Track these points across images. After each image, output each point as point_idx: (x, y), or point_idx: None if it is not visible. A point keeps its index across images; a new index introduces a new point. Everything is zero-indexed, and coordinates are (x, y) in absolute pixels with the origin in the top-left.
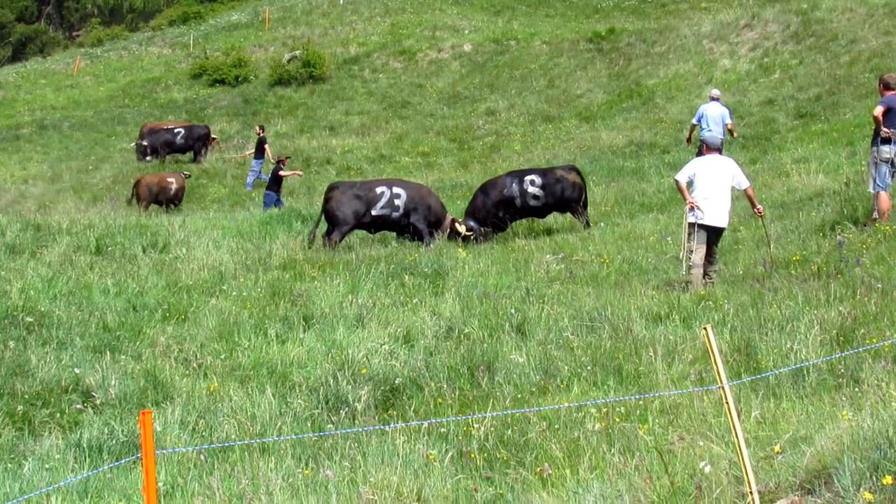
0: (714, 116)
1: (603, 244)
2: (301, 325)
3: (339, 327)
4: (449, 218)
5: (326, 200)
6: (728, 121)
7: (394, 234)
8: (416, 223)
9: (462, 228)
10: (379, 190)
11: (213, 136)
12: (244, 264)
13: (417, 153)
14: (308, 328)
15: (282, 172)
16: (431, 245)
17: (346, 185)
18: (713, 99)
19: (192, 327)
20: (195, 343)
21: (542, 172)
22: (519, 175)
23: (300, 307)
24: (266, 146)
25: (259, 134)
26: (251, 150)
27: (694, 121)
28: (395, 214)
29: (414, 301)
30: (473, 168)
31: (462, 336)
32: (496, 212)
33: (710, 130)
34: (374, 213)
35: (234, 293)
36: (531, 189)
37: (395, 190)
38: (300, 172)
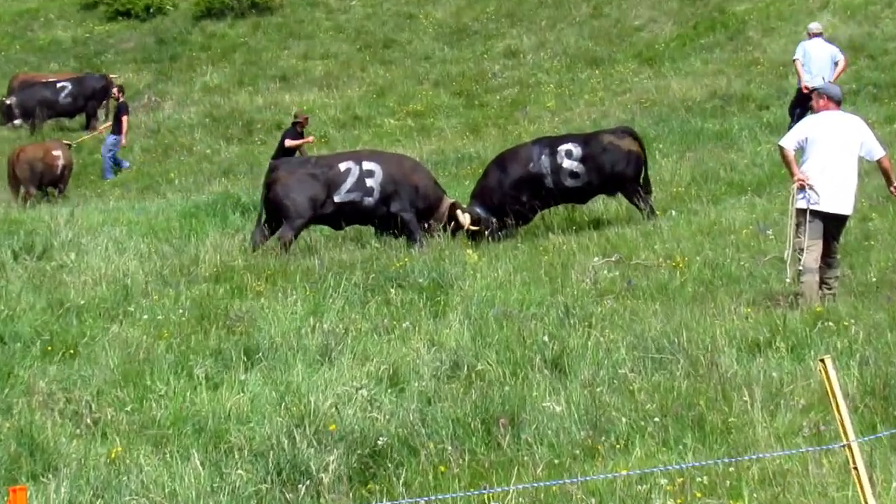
0: (819, 58)
1: (675, 241)
2: (242, 361)
3: (297, 364)
4: (447, 203)
5: (269, 185)
6: (840, 62)
7: (371, 229)
8: (399, 212)
9: (465, 218)
10: (343, 167)
11: (115, 87)
12: (159, 275)
13: (407, 113)
14: (252, 366)
15: (290, 142)
16: (425, 244)
17: (296, 162)
18: (814, 35)
19: (85, 367)
20: (89, 389)
21: (582, 139)
22: (550, 143)
23: (240, 336)
24: (125, 117)
25: (117, 97)
26: (110, 121)
27: (797, 55)
28: (369, 200)
29: (404, 326)
30: (487, 133)
31: (473, 375)
32: (518, 195)
33: (812, 75)
34: (337, 199)
35: (146, 316)
36: (567, 163)
37: (367, 166)
38: (311, 139)
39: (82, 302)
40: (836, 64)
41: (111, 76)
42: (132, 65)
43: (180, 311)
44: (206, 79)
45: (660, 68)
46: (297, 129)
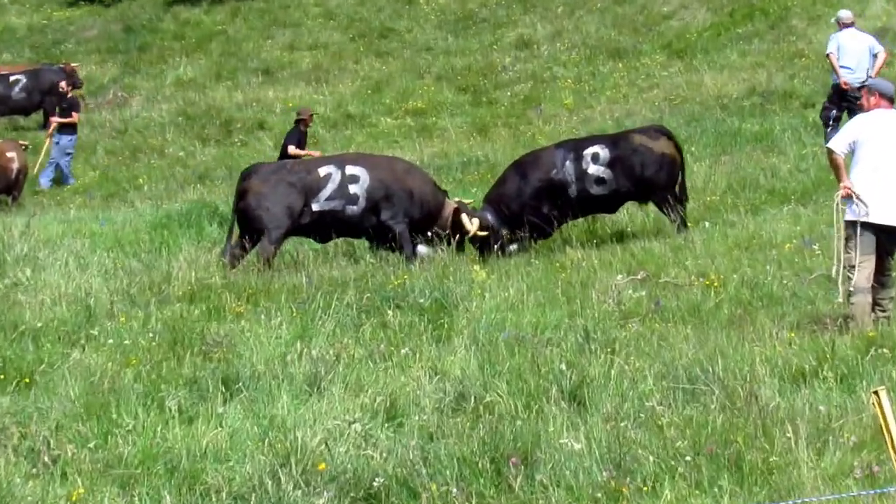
0: (855, 50)
1: (709, 257)
2: (220, 391)
3: (282, 395)
4: (450, 206)
5: (241, 195)
6: (879, 53)
7: (366, 242)
8: (390, 222)
9: (472, 224)
10: (323, 171)
11: (73, 80)
12: (126, 294)
13: (406, 111)
14: (231, 397)
15: (293, 150)
16: (426, 257)
17: (269, 168)
18: (845, 25)
19: (43, 397)
20: (47, 423)
21: (610, 140)
22: (575, 147)
23: (218, 363)
24: (76, 113)
25: (66, 91)
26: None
27: (830, 49)
28: (353, 209)
29: (402, 352)
30: (496, 134)
31: (481, 408)
32: (538, 206)
33: (850, 70)
34: (315, 206)
35: (111, 341)
36: (593, 168)
37: (350, 170)
38: (318, 154)
39: (39, 324)
40: (875, 56)
41: (71, 65)
42: (95, 56)
43: (150, 334)
44: (179, 72)
45: (691, 61)
46: (300, 129)
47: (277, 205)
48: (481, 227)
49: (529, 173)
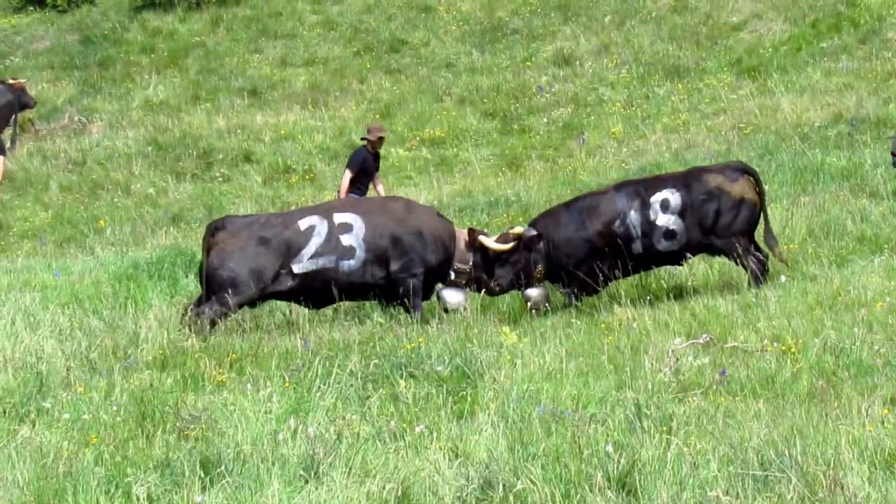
0: None
1: (785, 317)
2: (197, 477)
3: (272, 482)
4: (462, 235)
5: (207, 250)
6: None
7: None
8: (402, 275)
9: (497, 244)
10: (304, 224)
11: (22, 100)
12: (85, 359)
13: (422, 140)
14: (211, 484)
15: (346, 180)
16: (457, 306)
17: (241, 222)
18: None
19: None
20: None
21: (682, 181)
22: (639, 190)
23: (195, 443)
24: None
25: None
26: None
27: None
28: (350, 264)
29: (417, 430)
30: (530, 169)
31: (512, 498)
32: (591, 262)
33: None
34: (297, 268)
35: (67, 415)
36: (663, 218)
37: (339, 218)
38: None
39: None
40: None
41: (20, 81)
42: (47, 72)
43: (114, 408)
44: (149, 92)
45: (765, 81)
46: (368, 151)
47: (243, 266)
48: (517, 235)
49: (587, 222)
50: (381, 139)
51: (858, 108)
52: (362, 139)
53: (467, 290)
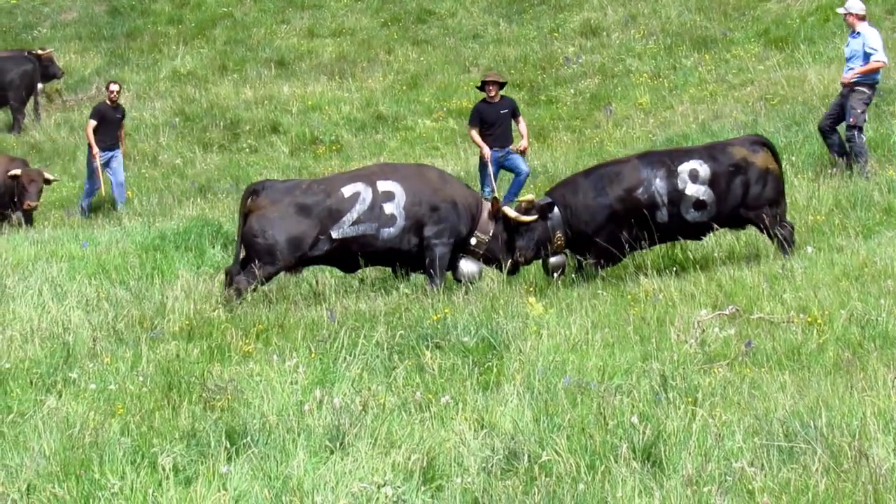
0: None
1: (811, 289)
2: (223, 447)
3: (297, 452)
4: (485, 208)
5: (246, 215)
6: None
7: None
8: (434, 240)
9: (521, 215)
10: (348, 191)
11: (51, 70)
12: (112, 330)
13: (449, 111)
14: (237, 454)
15: (475, 133)
16: (474, 275)
17: (283, 187)
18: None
19: (12, 453)
20: (17, 484)
21: (707, 153)
22: (666, 160)
23: (221, 413)
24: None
25: (111, 96)
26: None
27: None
28: (390, 232)
29: (442, 401)
30: (557, 140)
31: (537, 469)
32: (613, 230)
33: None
34: (336, 234)
35: (94, 386)
36: (692, 188)
37: (383, 186)
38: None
39: (8, 366)
40: None
41: (48, 51)
42: (75, 43)
43: (140, 378)
44: (176, 63)
45: (793, 52)
46: (486, 101)
47: (283, 232)
48: (540, 207)
49: (608, 189)
50: (496, 84)
51: (886, 79)
52: (481, 87)
53: (482, 264)
